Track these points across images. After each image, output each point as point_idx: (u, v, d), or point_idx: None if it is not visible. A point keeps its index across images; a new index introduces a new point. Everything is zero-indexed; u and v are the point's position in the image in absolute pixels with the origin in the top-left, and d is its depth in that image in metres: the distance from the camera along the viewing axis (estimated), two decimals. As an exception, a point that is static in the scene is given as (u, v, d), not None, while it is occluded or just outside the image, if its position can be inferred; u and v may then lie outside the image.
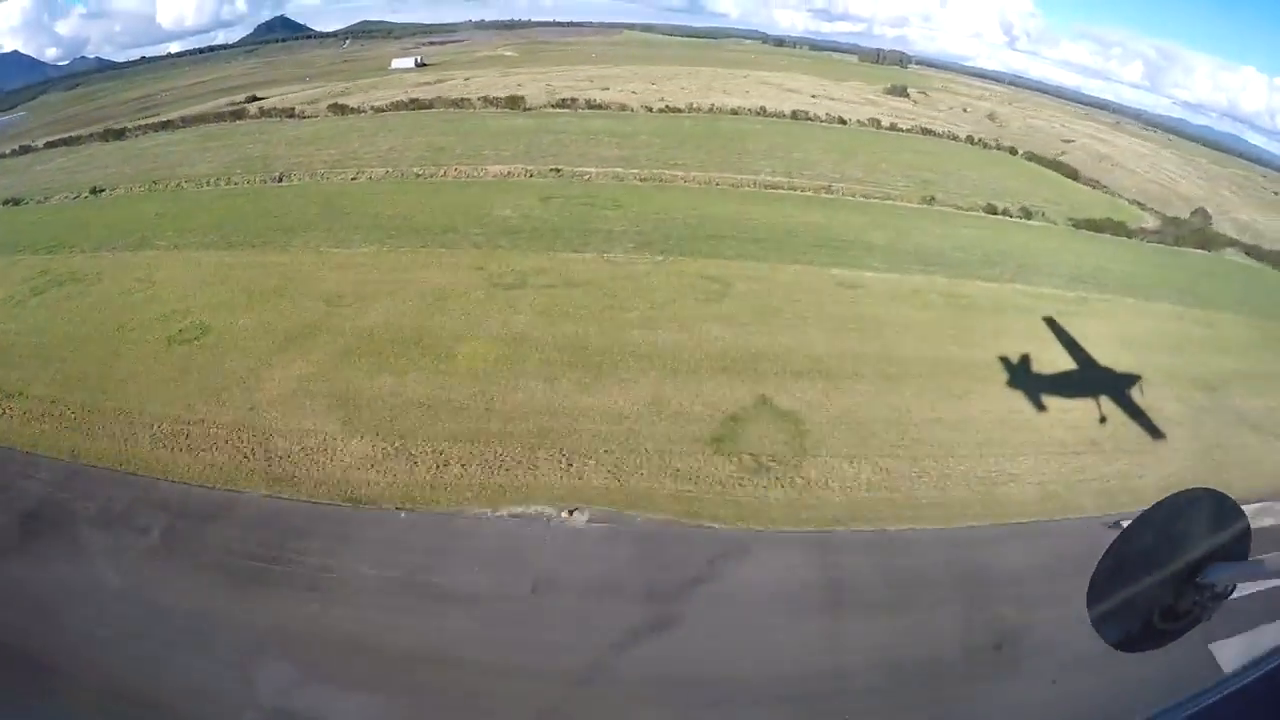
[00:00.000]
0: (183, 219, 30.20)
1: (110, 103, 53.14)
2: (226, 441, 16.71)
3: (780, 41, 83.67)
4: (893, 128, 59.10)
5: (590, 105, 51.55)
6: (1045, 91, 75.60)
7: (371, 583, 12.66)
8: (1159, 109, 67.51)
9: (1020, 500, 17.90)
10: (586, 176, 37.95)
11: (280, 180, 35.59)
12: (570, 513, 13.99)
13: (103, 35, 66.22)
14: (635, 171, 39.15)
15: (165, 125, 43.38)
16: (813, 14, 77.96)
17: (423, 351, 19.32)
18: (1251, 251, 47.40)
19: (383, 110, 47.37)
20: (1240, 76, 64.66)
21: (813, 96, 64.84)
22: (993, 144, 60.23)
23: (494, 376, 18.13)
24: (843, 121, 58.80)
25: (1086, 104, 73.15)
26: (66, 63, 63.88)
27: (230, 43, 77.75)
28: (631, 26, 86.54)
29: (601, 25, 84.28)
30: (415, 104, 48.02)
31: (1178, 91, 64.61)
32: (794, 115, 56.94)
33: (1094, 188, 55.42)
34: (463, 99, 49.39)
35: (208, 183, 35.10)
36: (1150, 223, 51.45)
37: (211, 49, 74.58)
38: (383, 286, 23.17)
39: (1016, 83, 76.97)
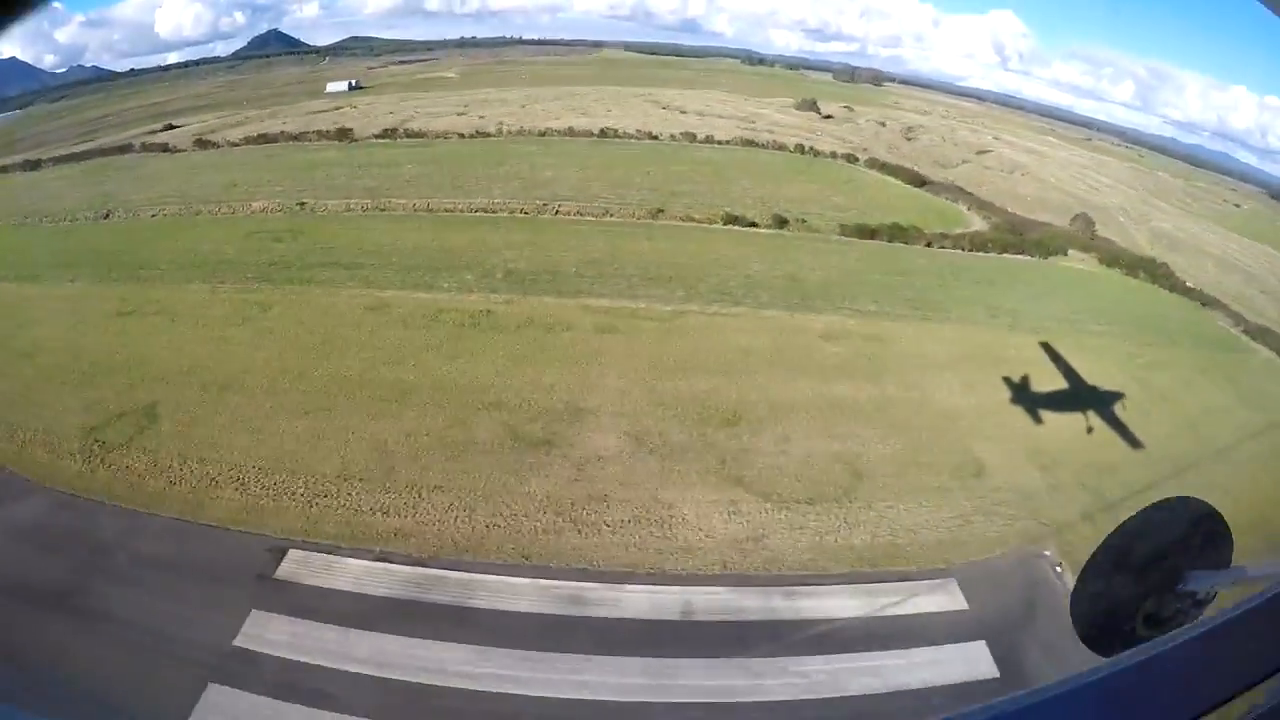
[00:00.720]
0: (6, 255, 44.07)
1: (71, 122, 65.85)
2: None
3: (760, 60, 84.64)
4: (708, 140, 63.64)
5: (409, 134, 60.75)
6: (1033, 111, 74.26)
7: None
8: (1150, 128, 68.81)
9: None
10: (323, 209, 48.51)
11: (107, 217, 48.97)
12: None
13: (101, 44, 69.94)
14: (367, 202, 48.57)
15: (71, 157, 57.35)
16: (806, 34, 79.00)
17: (12, 365, 31.64)
18: (1106, 258, 50.30)
19: (236, 145, 59.73)
20: (1230, 96, 64.29)
21: (681, 113, 69.34)
22: (828, 154, 63.24)
23: (26, 379, 30.18)
24: (654, 137, 63.71)
25: (1074, 123, 72.81)
26: (63, 70, 67.63)
27: (225, 55, 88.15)
28: (617, 45, 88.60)
29: (589, 44, 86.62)
30: (263, 138, 59.97)
31: (1169, 110, 66.48)
32: (602, 133, 62.75)
33: (936, 194, 58.22)
34: (303, 132, 60.87)
35: (61, 219, 48.92)
36: (977, 228, 54.77)
37: (205, 61, 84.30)
38: (53, 315, 34.85)
39: (1007, 103, 76.01)
